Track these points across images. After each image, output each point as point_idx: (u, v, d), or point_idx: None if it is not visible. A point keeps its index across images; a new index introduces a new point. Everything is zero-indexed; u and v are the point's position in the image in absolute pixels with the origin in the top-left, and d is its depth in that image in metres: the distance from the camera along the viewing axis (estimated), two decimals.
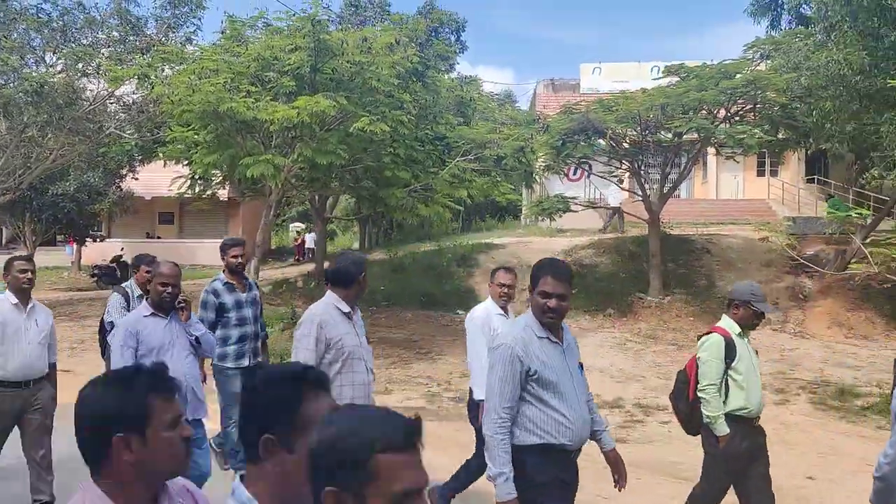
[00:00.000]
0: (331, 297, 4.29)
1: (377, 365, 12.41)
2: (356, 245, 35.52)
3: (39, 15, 15.68)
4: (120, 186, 25.41)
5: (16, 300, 5.13)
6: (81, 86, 15.42)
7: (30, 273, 5.18)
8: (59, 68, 15.93)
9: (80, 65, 14.77)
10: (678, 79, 15.42)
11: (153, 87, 11.36)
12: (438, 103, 13.46)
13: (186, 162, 15.00)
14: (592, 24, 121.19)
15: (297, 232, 33.36)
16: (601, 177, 17.36)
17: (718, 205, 27.82)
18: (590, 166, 18.13)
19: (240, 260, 6.13)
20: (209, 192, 18.74)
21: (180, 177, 21.42)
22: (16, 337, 5.06)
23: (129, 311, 6.16)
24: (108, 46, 15.12)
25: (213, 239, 34.01)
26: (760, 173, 29.70)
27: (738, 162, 19.42)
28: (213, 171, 14.03)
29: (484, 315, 5.30)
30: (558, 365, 3.36)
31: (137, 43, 15.02)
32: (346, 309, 4.29)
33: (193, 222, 35.11)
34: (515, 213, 31.38)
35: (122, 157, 20.30)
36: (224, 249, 6.24)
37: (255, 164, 10.98)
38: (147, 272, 6.07)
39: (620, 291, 17.44)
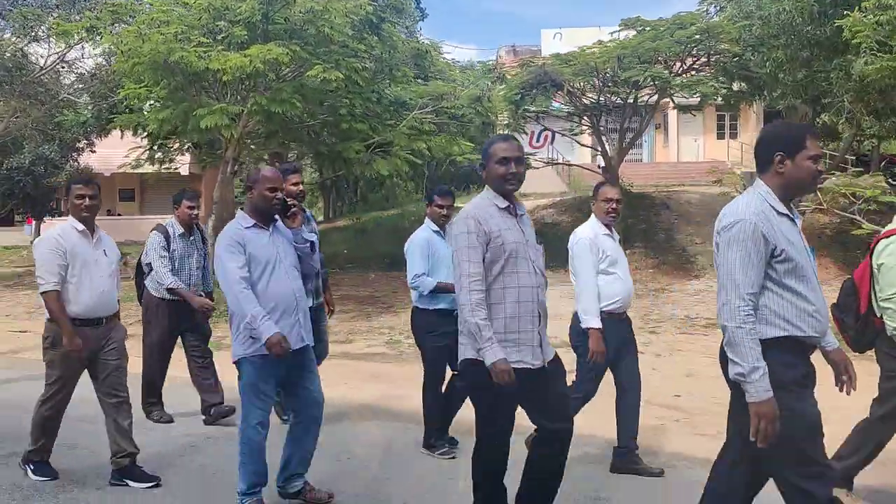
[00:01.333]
0: (487, 194, 3.60)
1: (341, 318, 12.55)
2: (321, 218, 35.39)
3: None
4: (77, 160, 24.98)
5: (82, 227, 4.51)
6: (31, 50, 15.10)
7: (87, 199, 4.48)
8: (7, 34, 15.59)
9: (29, 27, 14.46)
10: (635, 32, 15.54)
11: (101, 38, 11.18)
12: (395, 57, 13.39)
13: (143, 130, 14.77)
14: None
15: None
16: (563, 135, 17.48)
17: (680, 167, 28.14)
18: (553, 134, 18.21)
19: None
20: (166, 164, 18.53)
21: (137, 147, 21.10)
22: (86, 269, 4.46)
23: (169, 251, 6.03)
24: (59, 8, 14.80)
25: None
26: (720, 136, 30.10)
27: (694, 115, 19.58)
28: (170, 141, 13.80)
29: (591, 235, 4.87)
30: (800, 244, 2.91)
31: (87, 4, 14.70)
32: (504, 204, 3.54)
33: (155, 198, 34.59)
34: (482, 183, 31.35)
35: (78, 129, 19.95)
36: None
37: (209, 114, 10.87)
38: (189, 207, 6.21)
39: None
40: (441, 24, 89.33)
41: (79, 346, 4.34)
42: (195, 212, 6.34)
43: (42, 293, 4.41)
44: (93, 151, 25.32)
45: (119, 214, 34.10)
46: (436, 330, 5.20)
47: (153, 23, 10.59)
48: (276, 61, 10.49)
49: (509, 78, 14.90)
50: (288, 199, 4.32)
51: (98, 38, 11.04)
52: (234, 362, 4.11)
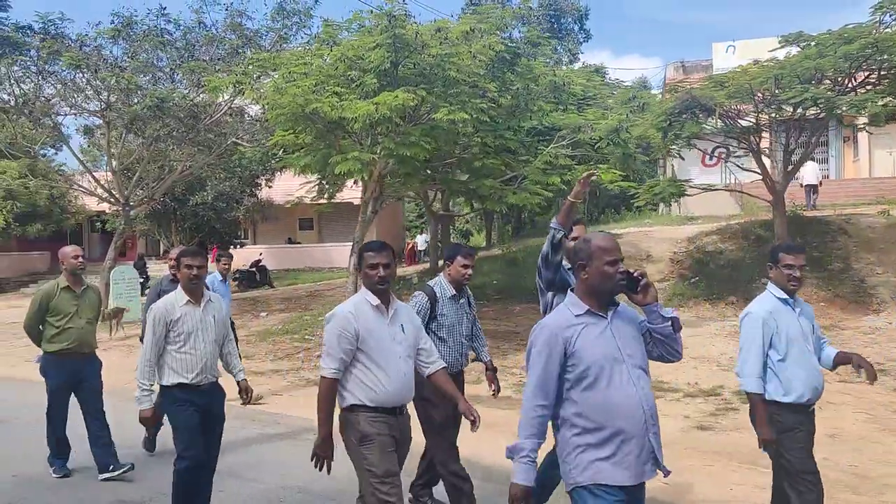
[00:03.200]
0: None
1: (473, 356, 12.50)
2: (483, 244, 35.76)
3: (164, 36, 16.88)
4: (255, 194, 26.82)
5: (377, 301, 3.92)
6: (201, 100, 16.43)
7: (381, 269, 3.89)
8: (180, 87, 17.06)
9: (197, 80, 15.74)
10: (798, 49, 14.37)
11: (244, 93, 11.95)
12: (533, 90, 13.23)
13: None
14: (725, 4, 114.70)
15: (412, 237, 33.66)
16: (736, 155, 16.42)
17: (871, 183, 25.64)
18: (727, 150, 17.22)
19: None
20: (326, 197, 19.49)
21: (308, 182, 22.33)
22: (383, 351, 3.87)
23: (436, 316, 5.21)
24: (222, 61, 16.03)
25: (347, 242, 35.33)
26: None
27: (871, 133, 17.79)
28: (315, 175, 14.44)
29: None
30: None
31: (244, 58, 15.80)
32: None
33: (331, 227, 36.45)
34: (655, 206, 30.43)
35: (256, 167, 21.50)
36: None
37: (342, 161, 11.28)
38: (464, 266, 5.33)
39: (745, 278, 16.48)
40: (610, 39, 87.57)
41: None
42: (469, 271, 5.35)
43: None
44: (269, 186, 27.20)
45: (299, 243, 36.26)
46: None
47: (290, 76, 11.15)
48: (403, 106, 10.69)
49: (657, 104, 14.26)
50: (628, 271, 3.15)
51: (242, 92, 11.78)
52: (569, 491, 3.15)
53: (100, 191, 18.42)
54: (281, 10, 16.66)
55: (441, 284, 5.37)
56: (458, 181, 13.29)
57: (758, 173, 15.79)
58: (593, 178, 4.95)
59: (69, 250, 6.51)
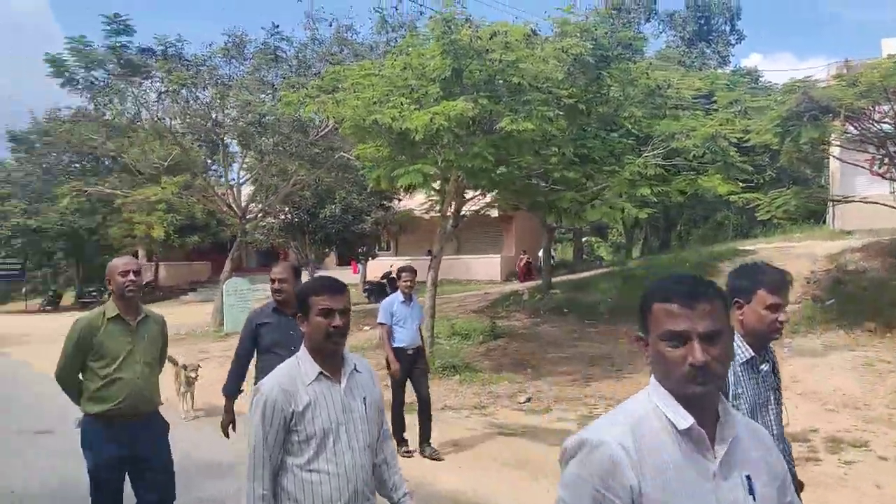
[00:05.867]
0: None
1: (558, 380, 11.69)
2: (637, 254, 34.17)
3: (277, 53, 17.38)
4: (385, 206, 27.07)
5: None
6: (307, 115, 16.69)
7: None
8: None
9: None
10: None
11: (306, 108, 11.89)
12: (629, 96, 12.24)
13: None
14: None
15: (524, 251, 32.67)
16: None
17: None
18: (891, 157, 15.22)
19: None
20: (439, 209, 19.16)
21: (430, 199, 22.24)
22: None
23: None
24: (317, 76, 16.20)
25: (487, 254, 35.00)
26: None
27: None
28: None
29: None
30: None
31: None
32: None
33: (470, 238, 36.30)
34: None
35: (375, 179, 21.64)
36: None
37: (405, 174, 10.92)
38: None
39: (888, 301, 14.44)
40: (772, 36, 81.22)
41: None
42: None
43: None
44: (399, 200, 27.38)
45: None
46: None
47: (352, 88, 10.96)
48: (462, 116, 10.16)
49: (771, 106, 12.77)
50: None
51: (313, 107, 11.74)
52: None
53: (221, 204, 19.22)
54: (384, 23, 16.63)
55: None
56: (540, 192, 12.52)
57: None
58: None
59: (119, 263, 4.42)
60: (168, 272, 40.15)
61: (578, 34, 11.61)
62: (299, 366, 2.82)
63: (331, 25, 17.18)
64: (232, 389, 5.20)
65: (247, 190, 24.04)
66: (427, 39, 12.65)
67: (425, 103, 10.84)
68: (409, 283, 7.80)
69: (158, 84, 17.15)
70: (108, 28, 16.86)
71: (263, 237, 27.71)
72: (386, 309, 7.80)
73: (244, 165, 22.50)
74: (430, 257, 35.45)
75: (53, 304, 40.07)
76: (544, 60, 10.66)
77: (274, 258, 40.28)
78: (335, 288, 2.84)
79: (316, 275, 5.69)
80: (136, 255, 42.07)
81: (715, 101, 14.87)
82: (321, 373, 2.79)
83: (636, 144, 12.67)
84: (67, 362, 4.34)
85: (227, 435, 5.17)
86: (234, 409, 5.23)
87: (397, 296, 7.86)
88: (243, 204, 19.05)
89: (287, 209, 24.74)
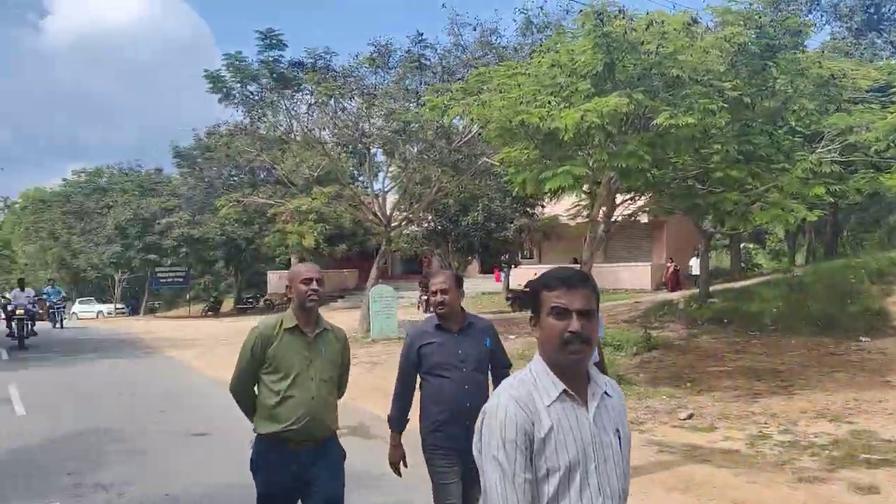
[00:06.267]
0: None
1: (724, 394, 10.81)
2: (801, 261, 31.90)
3: (421, 61, 17.37)
4: (529, 213, 26.63)
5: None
6: (451, 119, 16.53)
7: None
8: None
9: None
10: None
11: (449, 110, 11.62)
12: (798, 88, 11.19)
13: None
14: None
15: (671, 258, 30.98)
16: None
17: None
18: None
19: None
20: (587, 214, 18.50)
21: (578, 204, 21.66)
22: None
23: None
24: (460, 80, 15.99)
25: (636, 262, 33.74)
26: None
27: None
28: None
29: None
30: None
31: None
32: None
33: (617, 245, 35.15)
34: None
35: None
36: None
37: (554, 176, 10.45)
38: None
39: None
40: None
41: None
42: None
43: None
44: (542, 206, 26.85)
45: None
46: None
47: (497, 89, 10.61)
48: (615, 112, 9.57)
49: None
50: None
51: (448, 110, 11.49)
52: None
53: (368, 212, 19.44)
54: (529, 24, 16.23)
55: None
56: (694, 196, 11.66)
57: None
58: None
59: (302, 270, 4.04)
60: None
61: (742, 23, 10.72)
62: (536, 381, 2.18)
63: (475, 30, 16.98)
64: (400, 422, 4.43)
65: (391, 198, 24.36)
66: (575, 37, 12.11)
67: (575, 101, 10.31)
68: None
69: (308, 96, 17.56)
70: (262, 43, 17.45)
71: (407, 245, 28.03)
72: None
73: (389, 174, 22.75)
74: (575, 265, 34.77)
75: (214, 310, 42.43)
76: (705, 51, 9.89)
77: (418, 265, 40.94)
78: (574, 281, 2.20)
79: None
80: (288, 264, 43.89)
81: (893, 93, 13.43)
82: (565, 391, 2.15)
83: (804, 140, 11.57)
84: (241, 373, 3.99)
85: (398, 473, 4.43)
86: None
87: None
88: (388, 212, 19.13)
89: (430, 217, 24.80)
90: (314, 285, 3.91)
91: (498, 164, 13.76)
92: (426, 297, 30.50)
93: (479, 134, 16.84)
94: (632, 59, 10.05)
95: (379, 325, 17.91)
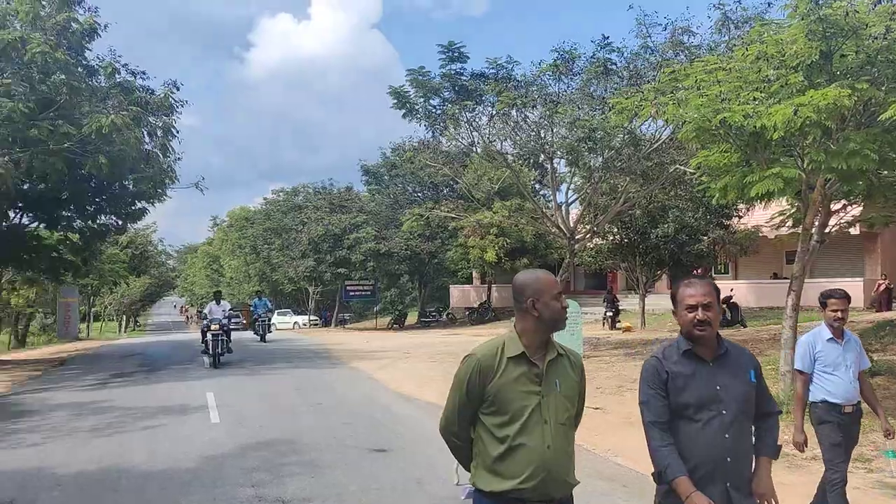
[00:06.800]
0: None
1: None
2: None
3: (607, 65, 16.60)
4: (724, 225, 24.87)
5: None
6: (643, 120, 15.58)
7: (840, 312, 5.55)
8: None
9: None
10: None
11: (641, 112, 10.75)
12: None
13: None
14: None
15: (884, 275, 27.48)
16: None
17: None
18: None
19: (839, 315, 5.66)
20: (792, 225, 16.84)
21: (780, 213, 19.91)
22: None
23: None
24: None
25: (846, 277, 30.62)
26: None
27: None
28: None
29: None
30: None
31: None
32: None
33: (823, 259, 32.12)
34: None
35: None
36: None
37: (761, 181, 9.37)
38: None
39: None
40: None
41: None
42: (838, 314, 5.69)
43: None
44: (739, 216, 24.96)
45: (785, 278, 32.75)
46: None
47: (695, 86, 9.69)
48: (835, 106, 8.39)
49: None
50: None
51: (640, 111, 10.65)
52: None
53: (550, 225, 18.86)
54: (725, 20, 15.01)
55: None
56: None
57: None
58: None
59: (543, 279, 3.22)
60: (500, 294, 41.37)
61: None
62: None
63: (665, 29, 15.97)
64: (677, 467, 3.23)
65: (575, 211, 23.62)
66: (780, 28, 10.89)
67: (784, 97, 9.19)
68: (839, 314, 5.57)
69: (490, 108, 17.31)
70: (444, 56, 17.43)
71: (591, 259, 27.08)
72: (806, 349, 5.76)
73: (572, 185, 22.04)
74: (774, 281, 32.17)
75: (399, 323, 43.48)
76: None
77: (602, 280, 39.71)
78: None
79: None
80: (469, 278, 44.21)
81: None
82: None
83: None
84: (455, 414, 3.18)
85: None
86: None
87: (821, 330, 5.72)
88: (571, 225, 18.42)
89: (616, 229, 23.80)
90: (563, 297, 3.10)
91: (693, 170, 12.68)
92: (611, 314, 29.38)
93: (672, 139, 15.80)
94: (852, 46, 8.80)
95: (561, 343, 17.18)
